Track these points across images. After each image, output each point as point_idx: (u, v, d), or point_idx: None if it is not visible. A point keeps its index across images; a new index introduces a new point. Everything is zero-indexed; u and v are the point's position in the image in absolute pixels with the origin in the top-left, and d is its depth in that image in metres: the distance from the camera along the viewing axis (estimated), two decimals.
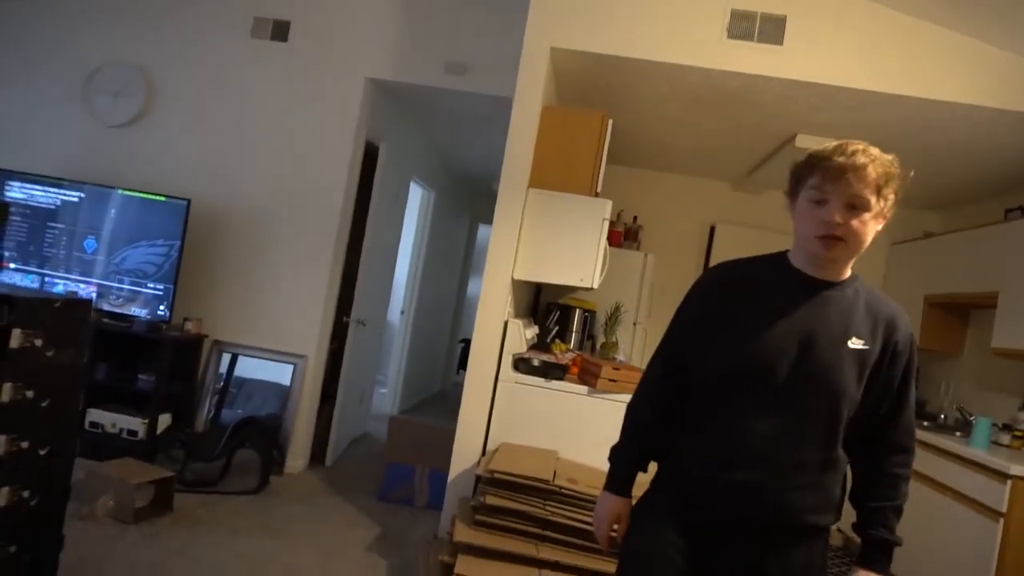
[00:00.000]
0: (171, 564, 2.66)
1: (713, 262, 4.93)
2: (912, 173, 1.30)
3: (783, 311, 1.30)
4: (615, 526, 1.47)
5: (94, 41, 4.12)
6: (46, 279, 3.81)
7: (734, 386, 1.32)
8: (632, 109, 3.79)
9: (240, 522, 3.17)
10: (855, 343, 1.29)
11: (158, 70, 4.08)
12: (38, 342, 1.55)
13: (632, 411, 1.50)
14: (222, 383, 4.03)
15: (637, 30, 3.11)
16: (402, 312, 6.22)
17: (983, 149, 3.54)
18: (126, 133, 4.07)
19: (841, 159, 1.22)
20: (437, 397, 7.41)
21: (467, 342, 4.07)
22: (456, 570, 2.47)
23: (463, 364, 3.66)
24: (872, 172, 1.21)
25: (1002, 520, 2.89)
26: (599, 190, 3.25)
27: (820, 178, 1.25)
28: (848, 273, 1.35)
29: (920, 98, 3.00)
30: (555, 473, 2.74)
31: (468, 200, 7.56)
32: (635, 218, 4.86)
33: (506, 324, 3.16)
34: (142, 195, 3.80)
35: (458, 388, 3.52)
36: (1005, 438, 3.49)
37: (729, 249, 4.82)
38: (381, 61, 3.99)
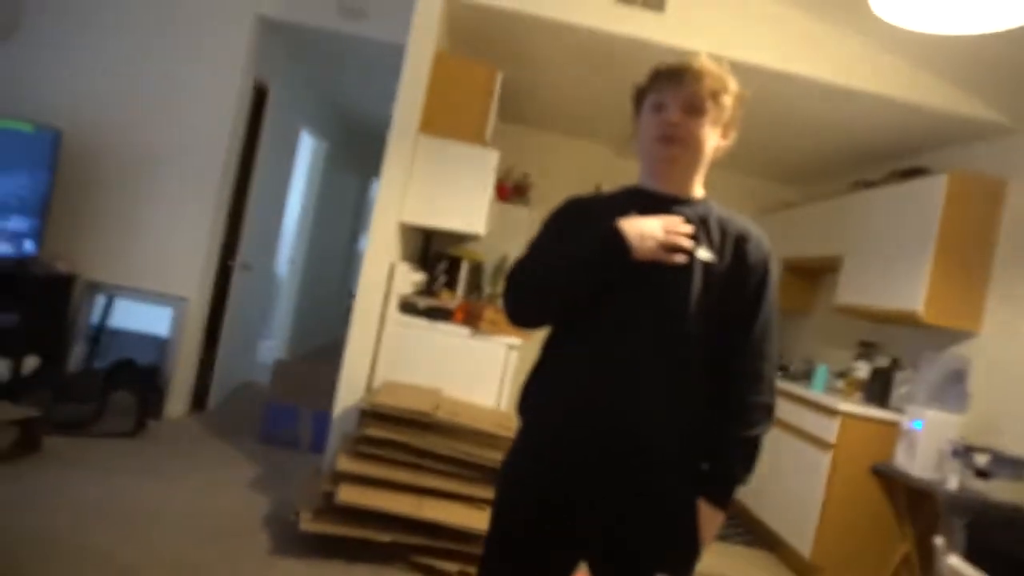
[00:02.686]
0: (40, 501, 2.59)
1: None
2: (749, 93, 1.37)
3: None
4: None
5: None
6: None
7: (580, 309, 1.29)
8: (524, 65, 3.89)
9: (113, 463, 3.10)
10: (703, 255, 1.27)
11: None
12: None
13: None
14: (97, 327, 3.86)
15: None
16: (291, 262, 6.12)
17: (838, 126, 3.91)
18: None
19: (677, 63, 1.31)
20: (325, 349, 7.36)
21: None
22: (340, 496, 2.56)
23: None
24: (707, 76, 1.29)
25: (831, 450, 3.29)
26: (488, 140, 3.36)
27: (659, 83, 1.32)
28: (699, 193, 1.36)
29: (776, 70, 3.27)
30: (436, 407, 2.86)
31: (362, 154, 7.46)
32: (526, 175, 5.01)
33: (393, 266, 3.23)
34: (5, 123, 3.54)
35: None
36: (840, 384, 3.94)
37: None
38: None
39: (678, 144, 1.29)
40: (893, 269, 3.56)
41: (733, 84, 1.34)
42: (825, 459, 3.32)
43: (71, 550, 2.29)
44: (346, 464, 2.68)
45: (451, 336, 3.22)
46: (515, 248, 4.63)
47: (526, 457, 1.36)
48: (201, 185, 3.88)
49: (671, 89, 1.30)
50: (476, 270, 4.45)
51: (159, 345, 3.90)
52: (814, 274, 4.83)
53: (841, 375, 4.00)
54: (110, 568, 2.24)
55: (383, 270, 3.22)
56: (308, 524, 2.56)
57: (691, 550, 1.30)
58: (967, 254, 3.30)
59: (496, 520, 1.36)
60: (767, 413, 1.30)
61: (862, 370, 3.85)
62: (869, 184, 4.10)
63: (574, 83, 4.08)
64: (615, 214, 1.30)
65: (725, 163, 5.20)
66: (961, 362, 3.22)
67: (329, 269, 7.22)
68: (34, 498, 2.61)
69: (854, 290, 3.91)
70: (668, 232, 1.25)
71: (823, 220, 4.43)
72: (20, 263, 3.52)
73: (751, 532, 3.92)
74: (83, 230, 3.82)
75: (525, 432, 1.38)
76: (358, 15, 3.88)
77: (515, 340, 3.20)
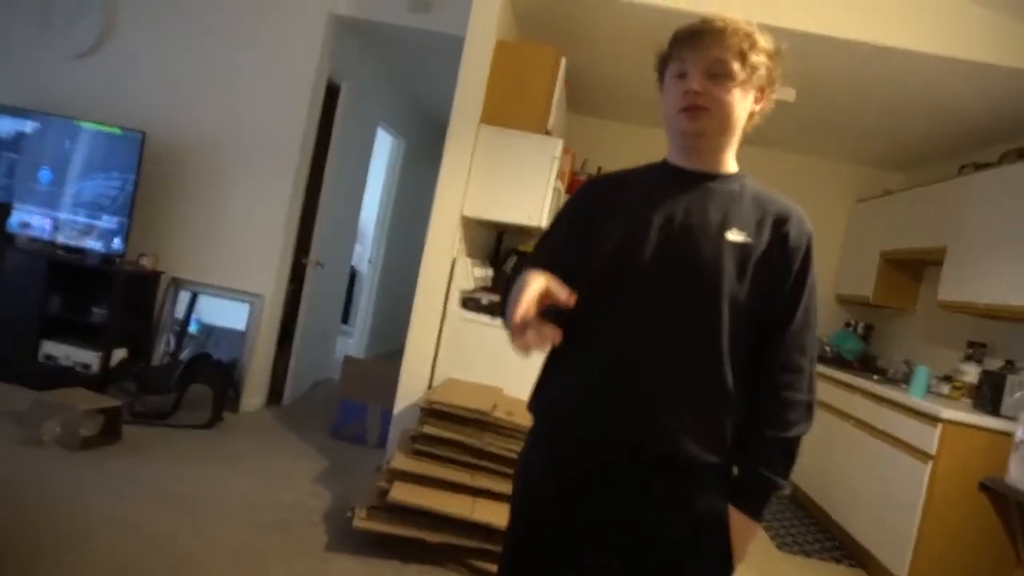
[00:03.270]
0: (115, 487, 2.69)
1: None
2: (785, 46, 1.20)
3: (656, 206, 1.17)
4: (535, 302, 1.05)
5: None
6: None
7: (600, 296, 1.15)
8: (595, 51, 3.76)
9: (189, 453, 3.20)
10: (735, 236, 1.14)
11: None
12: None
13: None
14: (182, 322, 4.03)
15: None
16: (370, 261, 6.22)
17: (943, 103, 3.54)
18: (85, 63, 3.99)
19: (699, 25, 1.16)
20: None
21: None
22: (391, 495, 2.52)
23: None
24: (732, 35, 1.13)
25: (931, 462, 2.98)
26: (551, 129, 3.24)
27: (678, 47, 1.17)
28: (732, 167, 1.23)
29: (876, 45, 2.99)
30: (494, 406, 2.78)
31: (441, 151, 7.47)
32: (599, 168, 4.85)
33: (454, 261, 3.18)
34: (98, 127, 3.74)
35: None
36: (945, 388, 3.58)
37: None
38: None
39: (703, 115, 1.14)
40: (1009, 259, 3.18)
41: (764, 40, 1.17)
42: (924, 471, 3.00)
43: (141, 534, 2.36)
44: (401, 462, 2.64)
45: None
46: None
47: (538, 460, 1.25)
48: (275, 183, 3.97)
49: (691, 53, 1.15)
50: None
51: (239, 340, 4.03)
52: (916, 267, 4.42)
53: (947, 378, 3.63)
54: (175, 552, 2.29)
55: (444, 265, 3.17)
56: (361, 522, 2.54)
57: (723, 566, 1.16)
58: None
59: (511, 522, 1.27)
60: (807, 412, 1.16)
61: (970, 373, 3.48)
62: (981, 166, 3.70)
63: (645, 67, 3.89)
64: (643, 194, 1.20)
65: (819, 149, 4.89)
66: None
67: (409, 269, 7.27)
68: (112, 484, 2.71)
69: (962, 284, 3.53)
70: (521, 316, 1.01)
71: (927, 207, 4.04)
72: (109, 260, 3.70)
73: (841, 547, 3.61)
74: (166, 228, 3.99)
75: (537, 431, 1.28)
76: (426, 7, 3.85)
77: None
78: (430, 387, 3.17)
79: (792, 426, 1.15)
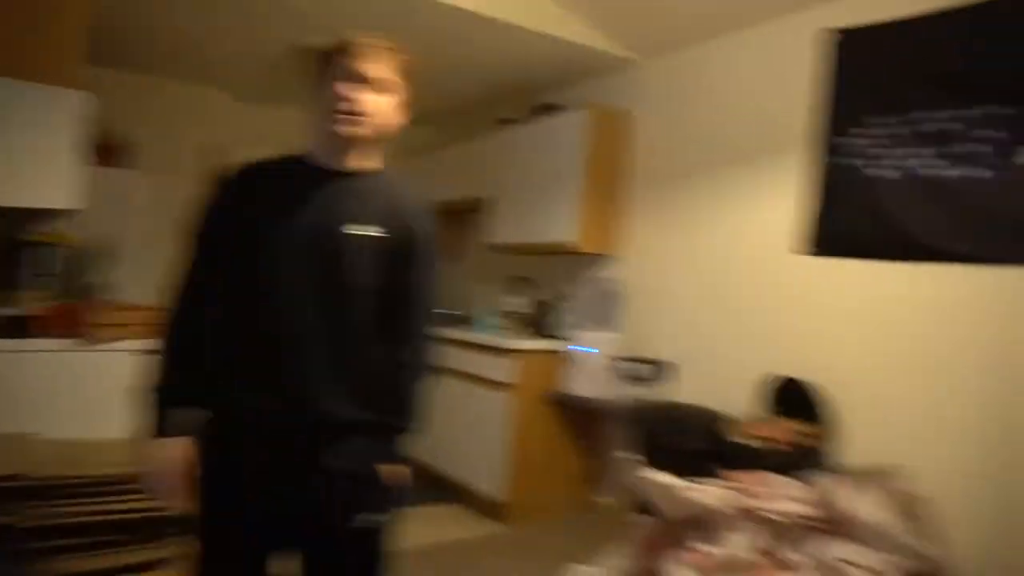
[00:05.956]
0: None
1: None
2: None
3: (297, 205, 1.33)
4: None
5: None
6: None
7: (252, 296, 1.34)
8: None
9: None
10: (368, 230, 1.33)
11: None
12: None
13: (169, 346, 1.36)
14: None
15: None
16: None
17: (475, 61, 3.77)
18: None
19: (366, 41, 1.34)
20: None
21: None
22: None
23: None
24: (396, 58, 1.35)
25: (509, 389, 3.33)
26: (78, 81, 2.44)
27: (349, 58, 1.31)
28: (376, 165, 1.40)
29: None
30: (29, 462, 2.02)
31: None
32: (127, 131, 4.00)
33: None
34: None
35: None
36: (504, 322, 3.98)
37: None
38: None
39: (361, 121, 1.32)
40: (545, 204, 3.64)
41: (408, 60, 1.39)
42: (503, 398, 3.33)
43: None
44: None
45: (42, 355, 2.35)
46: (125, 225, 3.71)
47: (213, 451, 1.35)
48: None
49: (357, 64, 1.32)
50: (77, 259, 3.40)
51: None
52: (459, 216, 4.77)
53: (506, 314, 4.04)
54: None
55: None
56: None
57: (386, 492, 1.36)
58: (610, 184, 3.53)
59: (209, 524, 1.36)
60: (426, 370, 1.44)
61: (523, 305, 3.94)
62: (508, 121, 4.11)
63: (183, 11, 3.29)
64: (280, 193, 1.36)
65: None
66: (611, 283, 3.48)
67: None
68: None
69: (508, 228, 3.93)
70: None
71: (466, 161, 4.40)
72: None
73: (438, 490, 3.68)
74: None
75: (221, 424, 1.36)
76: None
77: (143, 343, 2.45)
78: None
79: (410, 386, 1.41)
